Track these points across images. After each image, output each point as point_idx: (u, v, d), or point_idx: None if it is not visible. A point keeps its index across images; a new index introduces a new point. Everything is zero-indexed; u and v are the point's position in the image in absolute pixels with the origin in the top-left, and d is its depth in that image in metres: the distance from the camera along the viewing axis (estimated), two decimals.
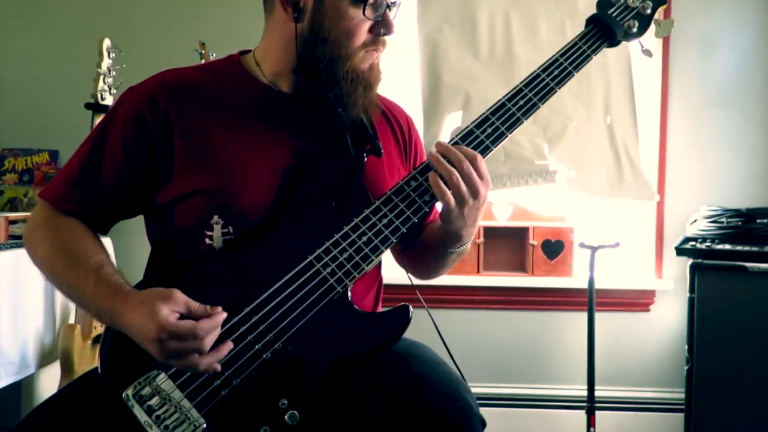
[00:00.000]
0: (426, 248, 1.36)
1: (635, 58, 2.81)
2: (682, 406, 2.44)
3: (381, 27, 1.22)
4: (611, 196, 2.73)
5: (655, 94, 2.80)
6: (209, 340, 1.05)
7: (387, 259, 1.29)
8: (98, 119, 2.27)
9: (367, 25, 1.21)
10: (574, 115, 2.71)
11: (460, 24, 2.77)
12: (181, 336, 1.03)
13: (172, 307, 1.04)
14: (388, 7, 1.21)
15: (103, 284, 1.11)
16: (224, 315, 1.08)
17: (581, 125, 2.71)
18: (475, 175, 1.15)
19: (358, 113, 1.24)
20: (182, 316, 1.05)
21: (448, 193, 1.15)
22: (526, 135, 2.66)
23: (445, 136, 2.68)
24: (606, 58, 2.74)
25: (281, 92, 1.27)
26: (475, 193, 1.15)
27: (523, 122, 1.26)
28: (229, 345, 1.09)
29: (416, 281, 1.41)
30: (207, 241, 1.19)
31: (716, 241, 2.40)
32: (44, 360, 2.17)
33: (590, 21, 1.36)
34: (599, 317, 2.65)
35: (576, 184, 2.73)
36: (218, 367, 1.07)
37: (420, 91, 2.76)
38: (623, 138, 2.73)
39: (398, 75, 2.77)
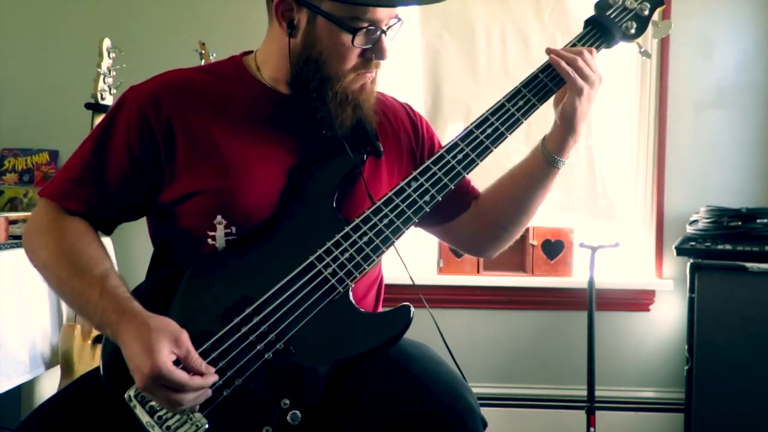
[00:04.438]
0: (513, 199, 1.35)
1: (634, 56, 2.81)
2: (682, 406, 2.45)
3: (373, 52, 1.19)
4: (586, 216, 2.84)
5: (654, 94, 2.81)
6: (190, 398, 1.03)
7: (387, 259, 1.29)
8: (98, 119, 2.27)
9: (359, 50, 1.18)
10: None
11: (459, 32, 2.83)
12: (169, 384, 1.01)
13: (174, 348, 1.03)
14: (383, 32, 1.18)
15: (108, 296, 1.10)
16: (215, 378, 1.07)
17: None
18: (594, 62, 1.26)
19: (346, 132, 1.23)
20: (178, 359, 1.03)
21: (578, 77, 1.23)
22: (521, 157, 2.79)
23: None
24: None
25: (282, 94, 1.27)
26: (599, 77, 1.25)
27: (522, 122, 1.27)
28: (207, 393, 1.06)
29: (419, 281, 1.40)
30: (210, 241, 1.19)
31: (716, 241, 2.40)
32: (54, 359, 2.16)
33: (588, 23, 1.36)
34: (599, 317, 2.65)
35: (561, 207, 2.83)
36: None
37: (423, 99, 2.85)
38: (600, 161, 2.83)
39: (401, 80, 2.81)
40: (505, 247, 1.43)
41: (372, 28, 1.16)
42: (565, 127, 1.26)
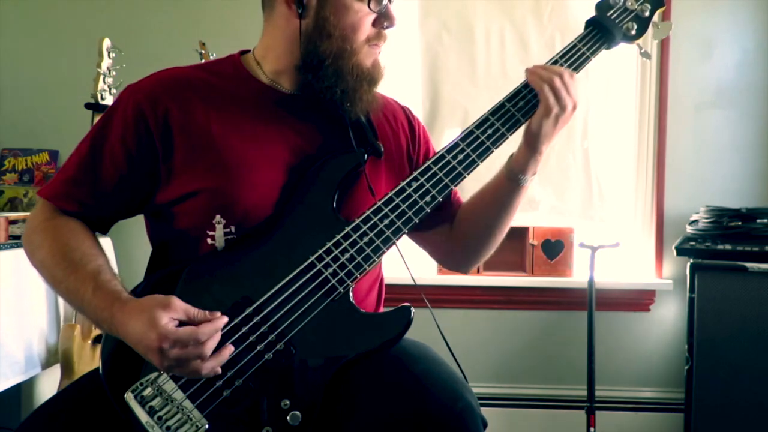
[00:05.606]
0: (480, 217, 1.36)
1: (634, 57, 2.81)
2: (682, 406, 2.44)
3: (384, 20, 1.23)
4: (582, 218, 2.84)
5: (654, 94, 2.81)
6: (211, 345, 1.05)
7: (387, 259, 1.29)
8: (98, 119, 2.27)
9: (371, 18, 1.22)
10: (557, 140, 2.77)
11: (459, 34, 2.83)
12: (182, 342, 1.02)
13: (171, 314, 1.04)
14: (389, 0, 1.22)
15: (100, 291, 1.10)
16: (225, 319, 1.08)
17: (561, 150, 2.83)
18: (573, 87, 1.23)
19: (362, 109, 1.25)
20: (181, 323, 1.04)
21: (552, 95, 1.21)
22: None
23: None
24: (588, 80, 2.78)
25: (282, 92, 1.27)
26: (573, 103, 1.23)
27: (523, 123, 1.27)
28: (230, 348, 1.08)
29: (419, 281, 1.40)
30: (209, 241, 1.19)
31: (716, 241, 2.40)
32: (50, 359, 2.16)
33: (589, 23, 1.36)
34: (599, 317, 2.65)
35: (555, 210, 2.84)
36: (219, 370, 1.07)
37: (421, 102, 2.85)
38: (597, 163, 2.84)
39: (400, 84, 2.81)
40: (476, 264, 1.43)
41: None
42: (529, 145, 1.26)
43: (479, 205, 1.36)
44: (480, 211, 1.36)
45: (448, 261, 1.46)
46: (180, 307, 1.05)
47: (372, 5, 1.20)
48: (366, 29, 1.22)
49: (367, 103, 1.25)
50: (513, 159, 1.29)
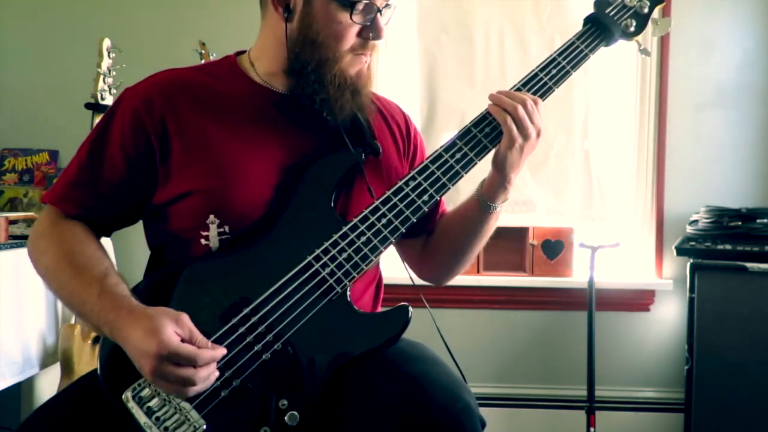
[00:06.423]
0: (451, 237, 1.36)
1: (634, 56, 2.81)
2: (682, 406, 2.44)
3: (370, 31, 1.21)
4: (582, 219, 2.85)
5: (654, 94, 2.81)
6: (203, 374, 1.03)
7: (386, 259, 1.29)
8: (98, 119, 2.26)
9: (356, 29, 1.20)
10: (555, 141, 2.81)
11: (457, 36, 2.83)
12: (180, 359, 1.01)
13: (177, 329, 1.03)
14: (379, 11, 1.20)
15: (106, 295, 1.10)
16: (224, 351, 1.07)
17: (560, 151, 2.83)
18: (537, 114, 1.20)
19: (346, 118, 1.23)
20: (183, 341, 1.04)
21: (515, 127, 1.19)
22: None
23: None
24: (588, 80, 2.78)
25: (276, 92, 1.27)
26: (537, 130, 1.20)
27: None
28: (215, 375, 1.06)
29: (418, 281, 1.40)
30: (203, 241, 1.19)
31: (716, 241, 2.40)
32: (48, 360, 2.17)
33: (588, 20, 1.36)
34: (599, 317, 2.65)
35: (554, 211, 2.83)
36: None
37: (419, 106, 2.84)
38: (597, 163, 2.84)
39: (397, 87, 2.81)
40: (448, 279, 1.43)
41: (368, 3, 1.17)
42: (498, 173, 1.24)
43: (452, 224, 1.36)
44: (452, 230, 1.36)
45: (422, 272, 1.44)
46: (187, 326, 1.05)
47: (354, 17, 1.18)
48: (350, 39, 1.20)
49: (352, 111, 1.23)
50: (484, 185, 1.28)
